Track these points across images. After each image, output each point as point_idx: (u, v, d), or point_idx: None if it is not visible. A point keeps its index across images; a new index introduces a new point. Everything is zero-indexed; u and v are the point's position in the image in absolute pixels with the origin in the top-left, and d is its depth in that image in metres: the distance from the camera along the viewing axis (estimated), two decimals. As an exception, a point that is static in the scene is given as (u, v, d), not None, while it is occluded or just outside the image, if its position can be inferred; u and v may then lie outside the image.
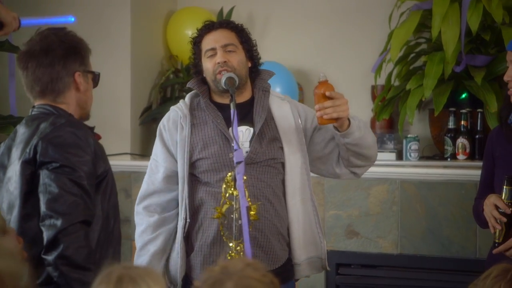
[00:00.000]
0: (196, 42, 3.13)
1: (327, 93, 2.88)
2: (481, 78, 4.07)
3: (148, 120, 4.82)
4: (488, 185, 3.23)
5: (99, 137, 2.80)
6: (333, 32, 4.77)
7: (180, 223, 3.04)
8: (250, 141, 3.02)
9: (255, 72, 3.16)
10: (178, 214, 3.07)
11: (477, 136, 4.26)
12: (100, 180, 2.63)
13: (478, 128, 4.24)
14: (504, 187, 3.01)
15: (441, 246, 4.09)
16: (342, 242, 4.24)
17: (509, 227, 3.02)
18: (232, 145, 2.95)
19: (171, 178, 3.08)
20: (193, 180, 3.06)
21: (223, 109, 3.05)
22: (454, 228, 4.08)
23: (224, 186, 2.97)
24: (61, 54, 2.67)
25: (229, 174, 2.97)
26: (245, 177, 2.87)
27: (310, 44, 4.81)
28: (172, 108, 3.15)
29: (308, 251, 3.10)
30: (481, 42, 4.25)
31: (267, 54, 4.86)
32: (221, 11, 4.83)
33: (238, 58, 3.07)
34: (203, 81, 3.13)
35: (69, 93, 2.70)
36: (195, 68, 3.16)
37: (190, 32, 4.87)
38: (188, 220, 3.02)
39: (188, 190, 3.02)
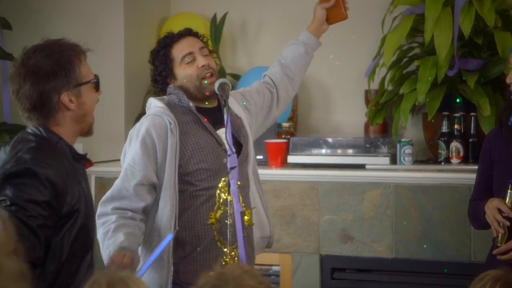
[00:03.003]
0: (164, 52, 3.09)
1: None
2: (474, 82, 4.08)
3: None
4: (484, 188, 3.23)
5: (90, 164, 2.70)
6: (326, 37, 4.77)
7: (169, 232, 2.94)
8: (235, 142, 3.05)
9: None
10: (151, 222, 3.02)
11: (470, 140, 4.26)
12: (66, 220, 2.53)
13: (472, 132, 4.25)
14: (508, 191, 3.01)
15: (436, 250, 4.10)
16: (337, 247, 4.24)
17: None
18: (223, 148, 2.99)
19: (145, 187, 2.99)
20: (183, 187, 3.02)
21: (204, 113, 3.07)
22: (448, 232, 4.08)
23: (218, 191, 2.98)
24: (42, 78, 2.56)
25: (223, 179, 2.98)
26: (239, 183, 2.87)
27: (304, 49, 4.81)
28: (154, 115, 3.03)
29: (260, 231, 3.17)
30: (473, 46, 4.26)
31: (260, 59, 4.88)
32: (214, 17, 4.84)
33: (213, 63, 3.13)
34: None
35: (59, 115, 2.60)
36: (163, 78, 3.10)
37: (184, 37, 4.90)
38: (176, 228, 2.97)
39: (178, 198, 2.99)
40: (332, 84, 4.80)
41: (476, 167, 4.09)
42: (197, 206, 3.01)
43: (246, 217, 2.92)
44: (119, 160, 4.64)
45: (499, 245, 3.06)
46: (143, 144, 3.01)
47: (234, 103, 3.19)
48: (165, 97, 3.13)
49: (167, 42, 3.12)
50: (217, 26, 4.82)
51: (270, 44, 4.89)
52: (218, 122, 3.07)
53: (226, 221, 2.92)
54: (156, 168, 3.00)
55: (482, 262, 3.94)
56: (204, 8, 4.94)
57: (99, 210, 3.00)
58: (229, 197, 2.90)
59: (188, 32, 3.15)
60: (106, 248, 2.87)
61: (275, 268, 4.34)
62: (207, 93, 3.06)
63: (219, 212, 2.96)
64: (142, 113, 4.84)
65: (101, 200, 3.03)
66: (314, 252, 4.27)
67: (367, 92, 4.55)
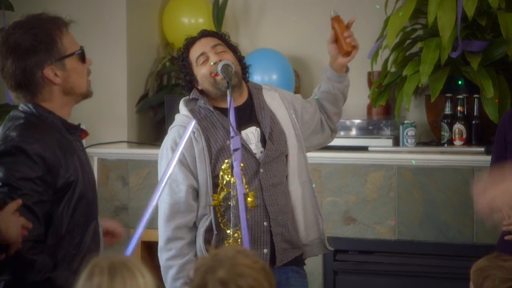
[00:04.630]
0: (183, 58, 3.14)
1: (351, 20, 3.21)
2: (477, 63, 4.07)
3: (145, 108, 4.81)
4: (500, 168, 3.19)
5: (86, 134, 2.67)
6: (329, 18, 4.75)
7: (202, 236, 3.02)
8: (261, 141, 3.10)
9: (245, 74, 3.19)
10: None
11: (473, 122, 4.26)
12: (63, 193, 2.50)
13: (475, 114, 4.24)
14: None
15: (438, 231, 4.10)
16: (340, 229, 4.24)
17: None
18: (247, 148, 3.04)
19: (192, 194, 3.04)
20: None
21: (227, 114, 3.03)
22: (451, 213, 4.08)
23: (221, 173, 2.98)
24: (23, 55, 2.51)
25: (226, 161, 2.98)
26: (242, 164, 2.87)
27: (306, 31, 4.80)
28: (179, 126, 3.06)
29: (310, 233, 3.19)
30: (477, 27, 4.24)
31: (263, 41, 4.87)
32: (216, -1, 4.83)
33: (231, 56, 3.12)
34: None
35: (46, 90, 2.55)
36: (189, 84, 3.14)
37: (186, 19, 4.88)
38: (215, 232, 3.01)
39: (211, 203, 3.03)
40: (335, 66, 4.78)
41: (479, 148, 4.11)
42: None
43: (249, 199, 2.93)
44: (121, 141, 4.67)
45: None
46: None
47: (276, 99, 3.20)
48: (192, 99, 3.14)
49: (185, 48, 3.16)
50: (219, 8, 4.80)
51: (273, 26, 4.87)
52: (244, 122, 3.07)
53: (229, 202, 2.92)
54: (194, 175, 3.03)
55: (485, 244, 3.95)
56: (207, -10, 4.92)
57: (166, 232, 3.05)
58: (232, 179, 2.91)
59: (202, 34, 3.17)
60: None
61: (277, 250, 4.34)
62: (222, 88, 3.06)
63: (222, 194, 2.96)
64: (144, 95, 4.85)
65: (162, 220, 3.07)
66: (317, 234, 4.27)
67: (370, 74, 4.54)
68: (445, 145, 4.28)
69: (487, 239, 3.95)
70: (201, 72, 3.10)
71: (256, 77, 4.63)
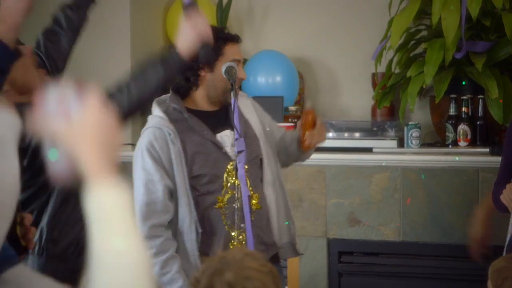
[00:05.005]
0: (221, 39, 3.08)
1: (318, 122, 3.12)
2: (481, 64, 4.06)
3: (149, 110, 4.80)
4: (508, 171, 3.19)
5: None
6: (333, 20, 4.76)
7: (191, 236, 2.99)
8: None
9: None
10: (175, 227, 3.05)
11: (478, 123, 4.25)
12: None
13: (479, 115, 4.23)
14: None
15: (443, 233, 4.10)
16: (344, 230, 4.24)
17: None
18: (224, 151, 3.03)
19: (168, 195, 3.02)
20: (193, 192, 3.03)
21: (207, 116, 3.07)
22: (456, 214, 4.07)
23: (226, 175, 2.98)
24: None
25: (231, 163, 2.97)
26: (246, 167, 2.87)
27: (310, 32, 4.80)
28: (153, 127, 3.05)
29: (283, 237, 3.18)
30: (481, 28, 4.24)
31: (267, 43, 4.87)
32: (220, 1, 4.82)
33: None
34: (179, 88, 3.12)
35: None
36: (193, 72, 3.08)
37: (190, 21, 4.88)
38: (200, 230, 2.99)
39: (194, 202, 3.00)
40: (339, 67, 4.78)
41: (484, 149, 4.10)
42: (209, 209, 3.03)
43: (253, 201, 2.92)
44: (126, 144, 4.67)
45: None
46: (151, 156, 3.02)
47: (249, 106, 3.22)
48: (166, 100, 3.12)
49: (222, 36, 3.11)
50: (223, 10, 4.80)
51: (277, 27, 4.87)
52: (219, 125, 3.09)
53: (234, 205, 2.91)
54: (169, 176, 3.02)
55: (490, 245, 3.94)
56: (210, -8, 4.92)
57: (142, 231, 3.00)
58: (236, 181, 2.90)
59: (239, 40, 3.20)
60: None
61: (282, 251, 4.34)
62: (228, 101, 3.08)
63: (227, 196, 2.95)
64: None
65: (137, 220, 3.02)
66: (322, 236, 4.27)
67: (374, 75, 4.53)
68: (450, 146, 4.28)
69: (493, 240, 3.94)
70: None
71: (260, 79, 4.63)
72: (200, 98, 3.10)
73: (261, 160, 3.14)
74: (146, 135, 3.05)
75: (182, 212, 3.00)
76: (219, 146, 3.04)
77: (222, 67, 3.03)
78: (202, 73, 3.07)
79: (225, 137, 3.08)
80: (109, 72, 4.62)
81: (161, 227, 2.99)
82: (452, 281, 4.12)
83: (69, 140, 1.45)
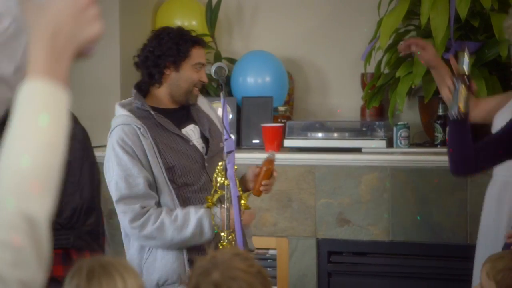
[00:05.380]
0: (183, 44, 3.18)
1: (275, 173, 3.20)
2: (470, 64, 4.07)
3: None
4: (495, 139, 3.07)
5: None
6: (322, 20, 4.77)
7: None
8: (201, 138, 3.23)
9: None
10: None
11: (467, 123, 4.25)
12: None
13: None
14: (462, 53, 2.97)
15: (432, 232, 4.11)
16: (333, 230, 4.24)
17: (459, 96, 2.91)
18: (192, 144, 3.16)
19: (151, 187, 3.08)
20: (172, 184, 3.11)
21: (169, 113, 3.19)
22: (444, 214, 4.09)
23: (215, 175, 2.99)
24: None
25: (220, 163, 2.99)
26: (236, 167, 2.88)
27: (300, 33, 4.80)
28: (122, 124, 3.12)
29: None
30: (470, 28, 4.25)
31: (257, 43, 4.87)
32: (210, 1, 4.82)
33: None
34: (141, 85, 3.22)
35: None
36: (164, 62, 3.16)
37: (179, 22, 4.86)
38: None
39: (175, 193, 3.08)
40: (328, 68, 4.79)
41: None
42: (190, 199, 3.12)
43: (243, 201, 2.93)
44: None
45: (451, 115, 2.95)
46: (125, 152, 3.08)
47: (205, 104, 3.36)
48: (130, 102, 3.21)
49: (191, 38, 3.22)
50: (212, 10, 4.80)
51: (266, 27, 4.87)
52: (182, 121, 3.22)
53: (223, 205, 2.92)
54: (147, 168, 3.08)
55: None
56: (200, -8, 4.92)
57: (132, 211, 3.06)
58: (226, 181, 2.91)
59: (205, 44, 3.34)
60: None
61: (271, 252, 4.35)
62: (190, 102, 3.22)
63: (216, 196, 2.97)
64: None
65: (122, 209, 3.10)
66: (311, 236, 4.28)
67: (363, 75, 4.54)
68: (439, 146, 4.29)
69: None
70: (191, 75, 3.18)
71: (249, 79, 4.64)
72: (162, 95, 3.20)
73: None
74: (115, 133, 3.12)
75: (165, 203, 3.07)
76: (186, 140, 3.16)
77: (211, 67, 3.08)
78: (167, 72, 3.17)
79: (190, 131, 3.21)
80: (99, 73, 4.63)
81: (150, 206, 3.06)
82: (441, 281, 4.13)
83: (31, 24, 1.23)
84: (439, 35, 4.05)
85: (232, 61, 4.77)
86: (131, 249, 3.18)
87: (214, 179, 2.97)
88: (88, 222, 2.57)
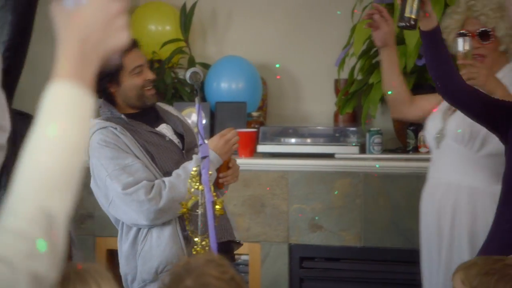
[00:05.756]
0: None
1: (230, 165, 3.26)
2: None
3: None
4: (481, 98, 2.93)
5: None
6: (296, 26, 4.78)
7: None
8: (176, 135, 3.31)
9: None
10: None
11: (439, 130, 4.28)
12: None
13: (440, 122, 4.27)
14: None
15: (404, 238, 4.13)
16: (306, 236, 4.25)
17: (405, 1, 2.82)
18: (168, 139, 3.25)
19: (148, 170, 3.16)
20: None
21: (140, 116, 3.28)
22: (416, 220, 4.09)
23: (189, 180, 2.99)
24: None
25: (194, 169, 2.98)
26: (210, 172, 2.89)
27: (274, 38, 4.81)
28: (98, 130, 3.17)
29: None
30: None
31: (231, 49, 4.87)
32: (184, 6, 4.82)
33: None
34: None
35: None
36: (106, 82, 3.22)
37: (153, 27, 4.86)
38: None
39: None
40: (302, 74, 4.81)
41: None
42: None
43: (217, 207, 2.93)
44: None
45: (399, 23, 2.87)
46: (111, 148, 3.15)
47: (173, 110, 3.47)
48: (102, 111, 3.31)
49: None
50: (187, 15, 4.80)
51: (240, 33, 4.88)
52: (153, 122, 3.30)
53: (197, 210, 2.92)
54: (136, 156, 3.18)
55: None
56: (174, -3, 4.91)
57: (139, 190, 3.10)
58: (200, 187, 2.91)
59: (137, 44, 3.29)
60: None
61: (244, 257, 4.35)
62: (148, 103, 3.28)
63: (190, 202, 2.97)
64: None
65: (123, 193, 3.11)
66: (283, 241, 4.29)
67: (336, 81, 4.56)
68: (411, 152, 4.31)
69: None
70: (133, 80, 3.23)
71: (223, 85, 4.64)
72: (122, 105, 3.28)
73: None
74: (94, 138, 3.16)
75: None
76: (161, 135, 3.25)
77: (185, 73, 3.10)
78: (112, 89, 3.25)
79: (163, 129, 3.29)
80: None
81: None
82: (413, 287, 4.15)
83: (61, 29, 1.27)
84: (412, 42, 4.08)
85: (206, 66, 4.77)
86: (124, 245, 3.20)
87: (188, 184, 2.97)
88: None
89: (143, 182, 3.08)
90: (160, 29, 4.86)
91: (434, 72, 2.97)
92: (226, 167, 3.25)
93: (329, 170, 4.24)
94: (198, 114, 2.86)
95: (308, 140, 4.37)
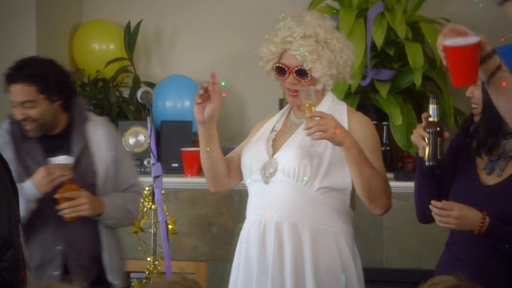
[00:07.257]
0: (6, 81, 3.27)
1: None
2: (386, 92, 4.17)
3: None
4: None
5: None
6: (241, 46, 4.80)
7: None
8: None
9: (69, 103, 3.29)
10: None
11: (383, 149, 4.33)
12: None
13: (384, 141, 4.32)
14: (430, 106, 2.98)
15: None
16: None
17: (435, 145, 2.87)
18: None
19: None
20: None
21: (43, 141, 3.28)
22: (360, 239, 4.13)
23: (142, 200, 2.98)
24: None
25: (147, 188, 2.98)
26: (163, 192, 2.88)
27: (218, 57, 4.82)
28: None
29: None
30: (385, 56, 4.35)
31: (175, 68, 4.87)
32: (128, 25, 4.80)
33: (38, 111, 3.22)
34: None
35: None
36: None
37: (97, 45, 4.84)
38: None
39: None
40: (247, 93, 4.83)
41: (389, 175, 4.18)
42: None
43: (170, 226, 2.92)
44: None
45: (426, 161, 2.95)
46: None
47: (101, 134, 3.31)
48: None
49: (8, 77, 3.30)
50: (131, 34, 4.78)
51: (185, 52, 4.89)
52: (53, 150, 3.24)
53: (150, 230, 2.91)
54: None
55: (394, 268, 4.03)
56: (118, 16, 4.90)
57: None
58: (153, 206, 2.90)
59: (22, 78, 3.25)
60: None
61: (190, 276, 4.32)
62: (30, 135, 3.27)
63: (142, 221, 2.95)
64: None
65: None
66: (230, 261, 4.27)
67: (281, 101, 4.59)
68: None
69: (396, 263, 4.04)
70: (15, 112, 3.26)
71: (168, 103, 4.64)
72: None
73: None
74: None
75: None
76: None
77: (138, 92, 3.07)
78: None
79: (55, 161, 3.20)
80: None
81: None
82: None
83: None
84: (356, 63, 4.13)
85: (151, 85, 4.75)
86: None
87: (141, 204, 2.96)
88: (5, 258, 2.50)
89: None
90: (104, 47, 4.84)
91: (417, 200, 3.04)
92: (66, 199, 3.17)
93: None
94: (150, 134, 2.85)
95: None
